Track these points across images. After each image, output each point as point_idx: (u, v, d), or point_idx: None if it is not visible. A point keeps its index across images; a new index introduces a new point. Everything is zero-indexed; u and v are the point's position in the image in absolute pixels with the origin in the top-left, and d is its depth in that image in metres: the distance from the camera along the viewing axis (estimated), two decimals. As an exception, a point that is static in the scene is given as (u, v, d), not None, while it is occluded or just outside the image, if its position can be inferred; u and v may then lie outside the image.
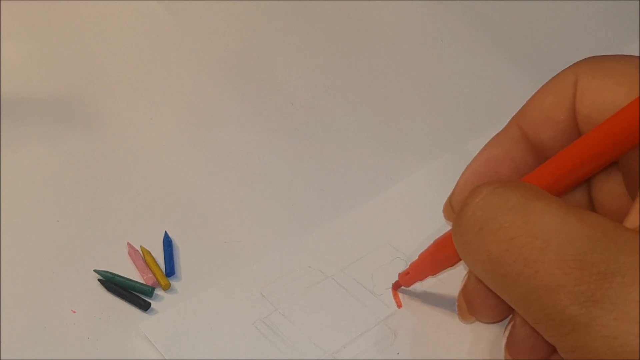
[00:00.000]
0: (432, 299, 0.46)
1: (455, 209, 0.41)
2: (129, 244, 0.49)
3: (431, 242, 0.43)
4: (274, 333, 0.44)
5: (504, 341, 0.40)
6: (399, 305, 0.46)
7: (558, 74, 0.39)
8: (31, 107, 0.58)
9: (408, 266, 0.45)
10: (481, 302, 0.40)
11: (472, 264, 0.35)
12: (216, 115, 0.58)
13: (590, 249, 0.31)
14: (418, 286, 0.47)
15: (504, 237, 0.33)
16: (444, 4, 0.66)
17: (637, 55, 0.37)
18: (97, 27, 0.64)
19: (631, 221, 0.34)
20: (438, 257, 0.42)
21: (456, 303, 0.42)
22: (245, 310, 0.45)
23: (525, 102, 0.40)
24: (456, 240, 0.35)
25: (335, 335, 0.44)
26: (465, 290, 0.41)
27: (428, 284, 0.47)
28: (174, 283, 0.47)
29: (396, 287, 0.46)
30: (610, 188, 0.39)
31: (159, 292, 0.47)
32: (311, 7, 0.66)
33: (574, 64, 0.38)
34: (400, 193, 0.52)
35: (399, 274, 0.46)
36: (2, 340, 0.44)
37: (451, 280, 0.42)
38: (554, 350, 0.39)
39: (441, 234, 0.43)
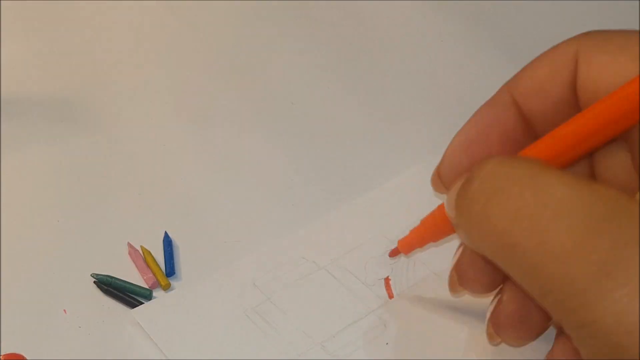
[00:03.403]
0: (423, 290, 0.46)
1: (444, 179, 0.40)
2: (129, 244, 0.49)
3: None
4: (265, 321, 0.45)
5: (487, 315, 0.39)
6: (390, 296, 0.46)
7: (555, 46, 0.37)
8: (31, 107, 0.58)
9: (408, 232, 0.43)
10: (474, 275, 0.39)
11: (476, 237, 0.33)
12: (216, 115, 0.58)
13: (604, 218, 0.29)
14: (411, 277, 0.47)
15: (512, 208, 0.31)
16: (444, 4, 0.66)
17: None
18: (97, 27, 0.65)
19: None
20: (440, 222, 0.40)
21: (448, 275, 0.41)
22: (237, 299, 0.46)
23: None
24: (459, 213, 0.34)
25: (326, 324, 0.44)
26: (459, 264, 0.40)
27: (420, 276, 0.47)
28: (174, 283, 0.47)
29: (394, 253, 0.45)
30: (615, 162, 0.37)
31: (158, 293, 0.47)
32: (311, 7, 0.66)
33: (574, 37, 0.37)
34: (396, 187, 0.52)
35: (398, 241, 0.44)
36: (2, 340, 0.44)
37: (444, 273, 0.41)
38: (537, 332, 0.38)
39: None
